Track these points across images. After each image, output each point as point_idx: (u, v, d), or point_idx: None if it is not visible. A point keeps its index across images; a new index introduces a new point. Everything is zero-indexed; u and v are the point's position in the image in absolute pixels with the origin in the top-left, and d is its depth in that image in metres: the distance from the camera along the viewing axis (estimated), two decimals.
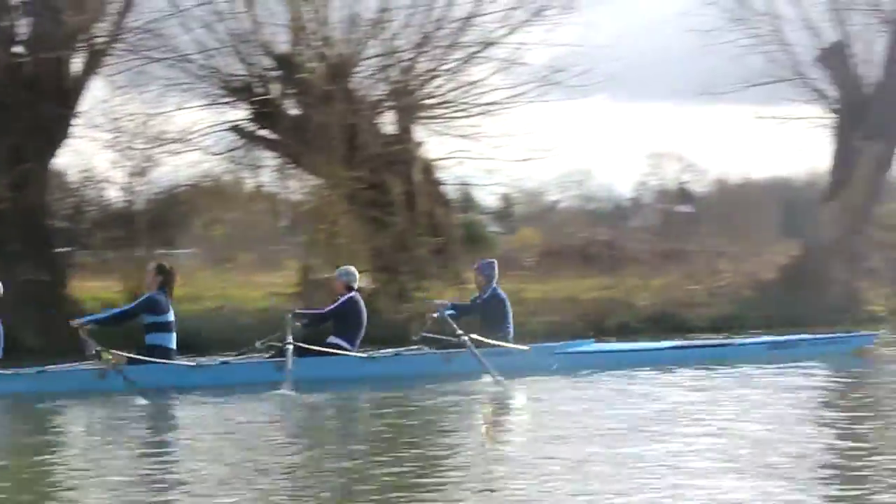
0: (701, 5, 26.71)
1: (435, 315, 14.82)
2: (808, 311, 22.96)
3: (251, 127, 23.95)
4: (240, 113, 23.97)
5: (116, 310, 14.67)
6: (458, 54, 24.25)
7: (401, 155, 23.63)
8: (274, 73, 23.75)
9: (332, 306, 14.56)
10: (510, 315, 15.02)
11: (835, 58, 26.44)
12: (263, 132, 23.99)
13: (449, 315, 14.36)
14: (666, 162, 52.31)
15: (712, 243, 27.59)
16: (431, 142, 24.83)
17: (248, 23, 23.23)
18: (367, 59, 24.16)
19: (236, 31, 23.25)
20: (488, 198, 33.53)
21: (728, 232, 30.22)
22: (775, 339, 16.35)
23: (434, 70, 24.34)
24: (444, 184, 25.45)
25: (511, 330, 14.95)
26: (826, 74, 26.90)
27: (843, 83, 26.54)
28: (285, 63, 23.47)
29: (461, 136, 24.65)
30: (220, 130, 24.00)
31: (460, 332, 13.84)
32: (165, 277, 13.99)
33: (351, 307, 14.42)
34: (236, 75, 23.71)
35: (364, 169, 22.81)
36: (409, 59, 24.19)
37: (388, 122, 24.47)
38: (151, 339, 13.74)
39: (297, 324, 14.10)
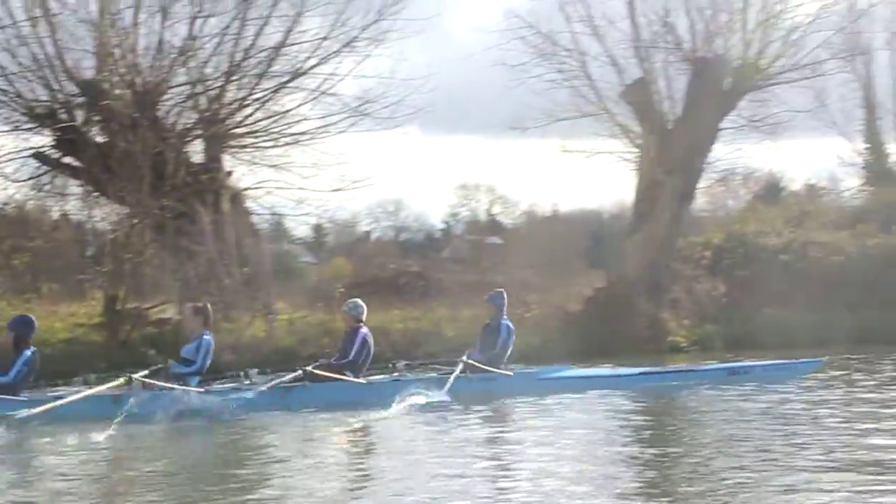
0: (509, 40, 27.77)
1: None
2: (614, 341, 23.87)
3: (55, 154, 23.57)
4: (43, 139, 23.62)
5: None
6: (268, 84, 24.46)
7: (209, 184, 23.56)
8: (79, 100, 23.41)
9: (352, 350, 14.83)
10: (510, 343, 15.85)
11: (638, 94, 27.59)
12: (68, 159, 23.59)
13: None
14: (476, 194, 53.68)
15: (520, 274, 28.18)
16: (241, 171, 24.92)
17: (51, 48, 22.96)
18: (175, 86, 24.08)
19: (39, 55, 22.93)
20: (299, 228, 33.81)
21: (536, 263, 30.89)
22: (733, 365, 17.63)
23: (243, 99, 24.46)
24: (253, 214, 25.53)
25: (505, 357, 15.79)
26: (630, 110, 28.05)
27: (646, 118, 27.75)
28: (90, 89, 23.13)
29: (271, 165, 24.85)
30: (22, 157, 23.65)
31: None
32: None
33: (364, 344, 14.91)
34: (40, 101, 23.34)
35: (172, 198, 22.64)
36: (218, 88, 24.23)
37: (196, 151, 24.39)
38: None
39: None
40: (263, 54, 24.16)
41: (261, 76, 24.29)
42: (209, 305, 14.84)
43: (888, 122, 40.46)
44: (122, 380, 13.55)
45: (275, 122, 24.76)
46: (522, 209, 52.09)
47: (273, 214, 27.22)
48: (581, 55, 28.08)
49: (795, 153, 52.22)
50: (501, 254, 37.36)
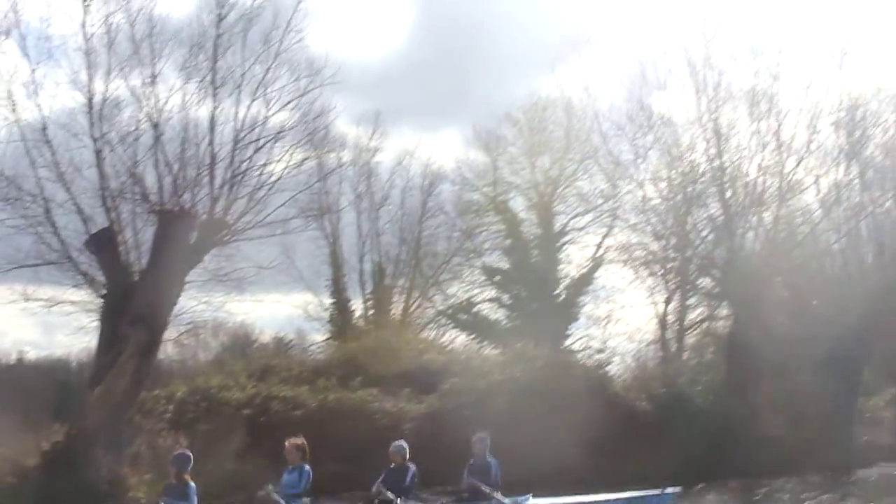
0: None
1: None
2: (70, 497, 23.21)
3: None
4: None
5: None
6: None
7: None
8: None
9: (408, 481, 17.48)
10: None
11: (103, 243, 27.49)
12: None
13: None
14: None
15: None
16: None
17: None
18: None
19: None
20: None
21: None
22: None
23: None
24: None
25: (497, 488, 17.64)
26: (95, 259, 27.82)
27: (111, 269, 27.64)
28: None
29: None
30: None
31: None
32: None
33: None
34: None
35: None
36: None
37: None
38: None
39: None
40: None
41: None
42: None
43: (353, 279, 43.17)
44: None
45: None
46: None
47: None
48: (46, 201, 27.60)
49: (265, 306, 53.77)
50: None
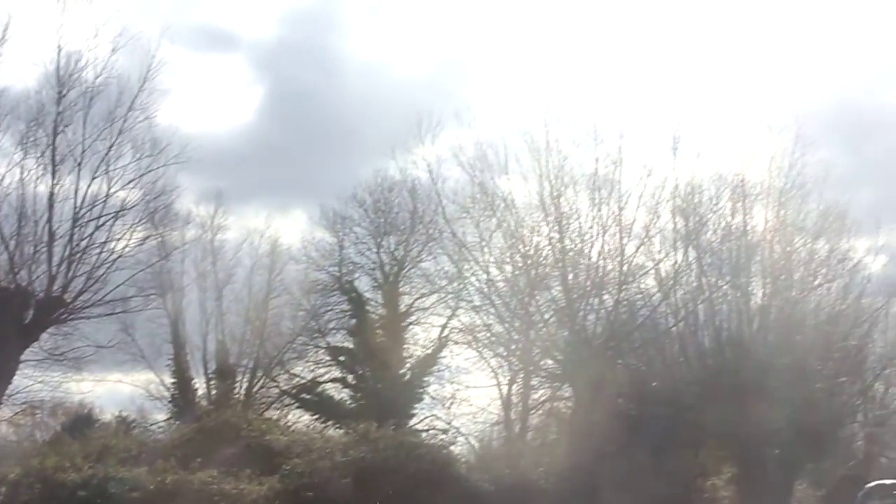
0: None
1: None
2: None
3: None
4: None
5: None
6: None
7: None
8: None
9: None
10: None
11: None
12: None
13: None
14: None
15: None
16: None
17: None
18: None
19: None
20: None
21: None
22: None
23: None
24: None
25: None
26: None
27: None
28: None
29: None
30: None
31: None
32: None
33: None
34: None
35: None
36: None
37: None
38: None
39: None
40: None
41: None
42: None
43: (197, 357, 42.66)
44: None
45: None
46: None
47: None
48: None
49: (107, 385, 52.61)
50: None
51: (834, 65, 72.43)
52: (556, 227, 38.51)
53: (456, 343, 43.72)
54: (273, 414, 43.76)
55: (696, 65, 69.75)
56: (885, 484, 35.88)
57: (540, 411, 44.58)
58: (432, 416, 44.76)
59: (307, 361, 45.63)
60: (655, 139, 39.60)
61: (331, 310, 45.90)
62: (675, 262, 39.52)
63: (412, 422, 43.77)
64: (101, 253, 28.23)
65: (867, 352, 44.90)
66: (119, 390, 42.97)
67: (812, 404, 39.94)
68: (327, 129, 60.76)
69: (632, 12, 71.84)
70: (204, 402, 42.09)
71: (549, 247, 38.99)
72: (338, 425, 41.27)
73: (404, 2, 78.00)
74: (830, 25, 73.10)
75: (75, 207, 28.02)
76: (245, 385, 43.98)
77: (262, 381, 44.71)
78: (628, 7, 77.45)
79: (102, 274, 28.28)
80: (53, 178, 27.94)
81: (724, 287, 40.37)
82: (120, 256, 28.83)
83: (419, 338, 45.78)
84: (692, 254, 39.83)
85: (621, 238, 38.53)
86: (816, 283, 41.70)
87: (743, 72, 67.27)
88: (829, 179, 40.66)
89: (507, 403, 43.67)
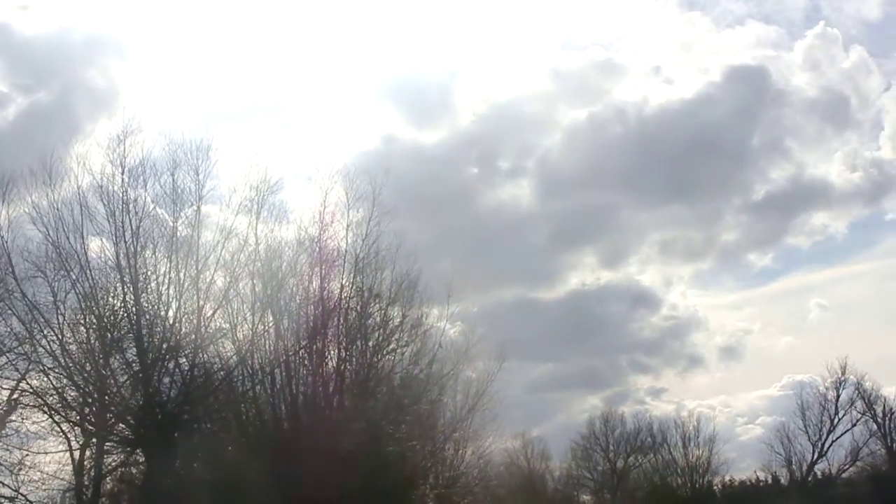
0: None
1: None
2: None
3: None
4: None
5: None
6: None
7: None
8: None
9: None
10: None
11: None
12: None
13: None
14: None
15: None
16: None
17: None
18: None
19: None
20: None
21: None
22: None
23: None
24: None
25: None
26: None
27: None
28: None
29: None
30: None
31: None
32: None
33: None
34: None
35: None
36: None
37: None
38: None
39: None
40: None
41: None
42: None
43: None
44: None
45: None
46: None
47: None
48: None
49: None
50: None
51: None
52: (132, 289, 38.28)
53: (26, 407, 42.12)
54: None
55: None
56: None
57: (113, 477, 43.72)
58: None
59: None
60: (233, 200, 40.13)
61: None
62: (253, 326, 40.22)
63: None
64: None
65: (438, 415, 47.30)
66: None
67: (385, 466, 41.66)
68: None
69: None
70: None
71: (125, 309, 38.66)
72: None
73: None
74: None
75: None
76: None
77: None
78: None
79: None
80: None
81: (301, 351, 41.44)
82: None
83: None
84: (269, 318, 40.69)
85: (199, 300, 38.83)
86: (391, 347, 43.56)
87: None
88: (404, 248, 42.87)
89: (79, 469, 42.54)
